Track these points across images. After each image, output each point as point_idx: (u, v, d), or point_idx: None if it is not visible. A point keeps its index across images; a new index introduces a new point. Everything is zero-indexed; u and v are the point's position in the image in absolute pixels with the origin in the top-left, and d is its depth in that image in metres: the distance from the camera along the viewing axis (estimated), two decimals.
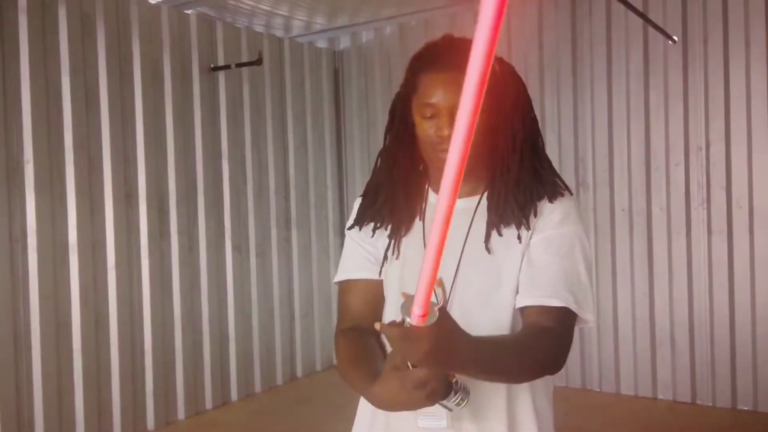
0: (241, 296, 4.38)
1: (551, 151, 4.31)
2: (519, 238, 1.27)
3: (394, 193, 1.37)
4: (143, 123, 3.80)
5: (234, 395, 4.32)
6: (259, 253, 4.51)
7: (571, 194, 1.35)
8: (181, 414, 3.99)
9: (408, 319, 0.88)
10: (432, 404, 1.01)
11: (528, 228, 1.28)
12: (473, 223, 1.32)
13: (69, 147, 3.45)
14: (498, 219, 1.29)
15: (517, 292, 1.27)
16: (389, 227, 1.37)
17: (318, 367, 4.94)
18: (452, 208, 0.83)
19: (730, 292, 3.83)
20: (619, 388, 4.17)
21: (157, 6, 3.94)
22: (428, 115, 1.26)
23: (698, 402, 3.94)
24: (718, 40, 3.81)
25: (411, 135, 1.33)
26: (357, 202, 1.44)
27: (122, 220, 3.69)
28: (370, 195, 1.40)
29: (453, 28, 1.39)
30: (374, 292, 1.35)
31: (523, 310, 1.26)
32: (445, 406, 1.03)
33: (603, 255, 4.17)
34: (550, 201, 1.31)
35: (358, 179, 5.04)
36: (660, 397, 4.06)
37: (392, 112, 1.39)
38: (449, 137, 1.13)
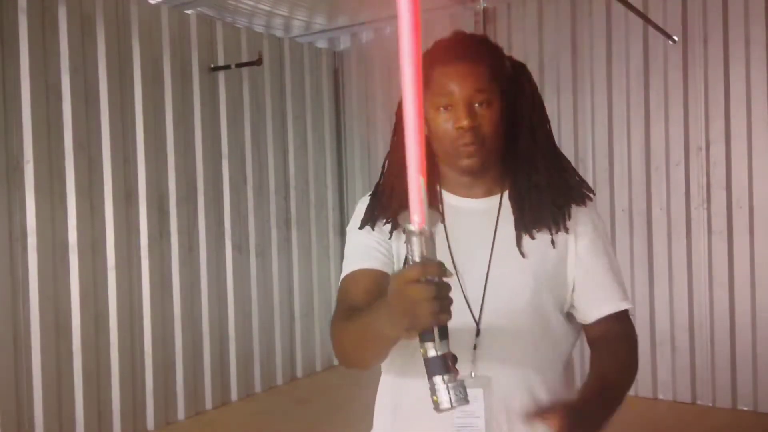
0: (241, 296, 4.38)
1: None
2: (553, 242, 1.26)
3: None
4: (143, 123, 3.80)
5: (234, 395, 4.32)
6: (259, 253, 4.51)
7: (594, 195, 1.37)
8: (181, 414, 3.99)
9: (409, 226, 0.84)
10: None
11: (566, 232, 1.27)
12: (498, 225, 1.28)
13: (69, 147, 3.45)
14: (531, 221, 1.26)
15: (564, 300, 1.27)
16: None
17: (318, 368, 4.94)
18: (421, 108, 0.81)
19: (730, 292, 3.83)
20: None
21: (157, 6, 3.94)
22: (443, 106, 1.22)
23: (698, 402, 3.94)
24: (718, 39, 3.81)
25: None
26: (363, 203, 1.38)
27: (122, 220, 3.69)
28: (384, 196, 1.33)
29: (453, 28, 1.37)
30: (379, 282, 1.23)
31: (595, 326, 1.29)
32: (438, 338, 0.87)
33: None
34: (583, 204, 1.32)
35: (358, 179, 5.03)
36: (660, 397, 4.05)
37: (399, 112, 1.31)
38: (470, 128, 1.20)
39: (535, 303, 1.25)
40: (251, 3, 4.26)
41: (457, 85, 1.21)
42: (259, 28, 4.70)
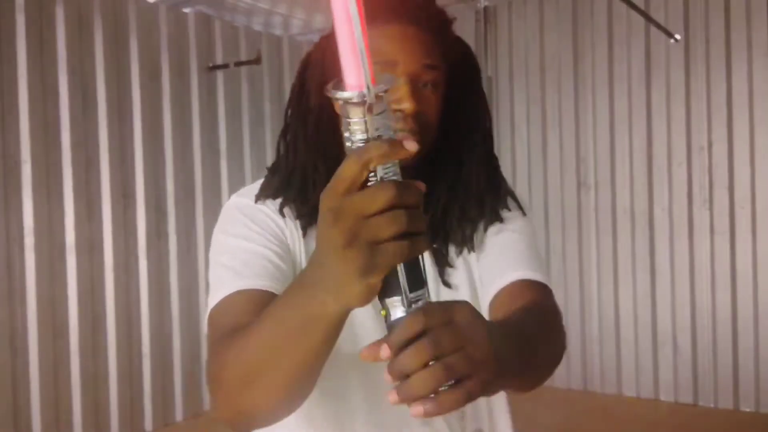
0: None
1: (552, 151, 4.31)
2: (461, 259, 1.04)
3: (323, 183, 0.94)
4: (141, 122, 3.78)
5: None
6: None
7: (525, 215, 1.08)
8: (178, 415, 3.97)
9: (345, 95, 0.54)
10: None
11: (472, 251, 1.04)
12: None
13: (66, 147, 3.43)
14: (445, 239, 1.03)
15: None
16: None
17: None
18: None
19: (732, 293, 3.81)
20: (620, 389, 4.15)
21: (154, 5, 3.91)
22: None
23: (700, 403, 3.92)
24: (720, 39, 3.79)
25: (331, 108, 0.96)
26: (240, 197, 1.06)
27: (120, 221, 3.67)
28: (297, 174, 1.01)
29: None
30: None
31: (497, 296, 0.97)
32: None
33: (605, 255, 4.14)
34: (500, 221, 1.05)
35: None
36: (662, 398, 4.04)
37: (302, 80, 1.05)
38: (414, 114, 0.90)
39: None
40: (250, 1, 4.23)
41: (402, 53, 0.91)
42: (257, 27, 4.67)
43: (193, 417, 4.03)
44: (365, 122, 0.53)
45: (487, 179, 1.05)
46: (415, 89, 0.92)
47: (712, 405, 3.88)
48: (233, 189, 4.29)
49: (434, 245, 1.01)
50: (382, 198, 0.52)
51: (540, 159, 4.34)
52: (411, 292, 0.55)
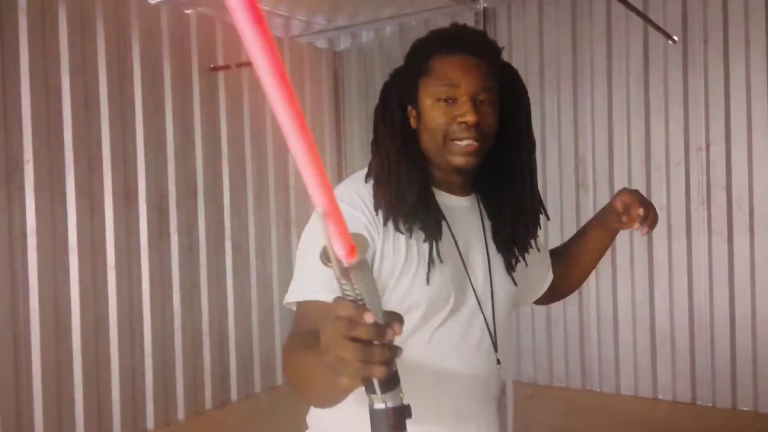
0: (241, 296, 4.37)
1: (551, 152, 4.32)
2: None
3: (423, 190, 1.18)
4: (143, 123, 3.80)
5: (234, 395, 4.32)
6: (259, 253, 4.51)
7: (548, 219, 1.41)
8: (180, 414, 3.99)
9: (331, 264, 0.66)
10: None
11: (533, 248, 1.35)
12: (485, 227, 1.27)
13: (69, 147, 3.45)
14: (514, 247, 1.29)
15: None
16: (427, 225, 1.16)
17: None
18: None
19: (730, 293, 3.83)
20: (619, 388, 4.17)
21: (156, 6, 3.93)
22: (445, 98, 1.14)
23: (698, 402, 3.93)
24: (719, 39, 3.81)
25: (408, 125, 1.21)
26: (345, 207, 1.13)
27: (122, 220, 3.69)
28: (389, 191, 1.16)
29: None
30: None
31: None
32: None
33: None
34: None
35: None
36: (660, 397, 4.05)
37: (387, 99, 1.24)
38: (474, 124, 1.13)
39: (512, 302, 1.33)
40: None
41: (464, 77, 1.13)
42: None
43: (195, 416, 4.05)
44: (346, 283, 0.67)
45: (534, 188, 1.28)
46: (475, 105, 1.14)
47: (710, 404, 3.90)
48: (234, 189, 4.34)
49: (512, 251, 1.28)
50: (341, 330, 0.68)
51: (539, 159, 4.27)
52: (383, 392, 0.70)
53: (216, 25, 4.29)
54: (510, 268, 1.27)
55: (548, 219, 1.34)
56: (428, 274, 1.13)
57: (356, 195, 1.16)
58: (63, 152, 3.44)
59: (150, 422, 3.82)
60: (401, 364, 0.78)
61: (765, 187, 3.72)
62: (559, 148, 4.29)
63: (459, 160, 1.17)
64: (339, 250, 0.64)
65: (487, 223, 1.27)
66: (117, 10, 3.70)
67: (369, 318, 0.67)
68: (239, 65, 4.29)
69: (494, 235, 1.26)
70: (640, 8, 3.83)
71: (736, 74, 3.77)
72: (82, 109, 3.51)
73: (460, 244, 1.20)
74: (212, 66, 4.23)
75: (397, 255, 1.13)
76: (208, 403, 4.16)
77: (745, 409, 3.79)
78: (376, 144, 1.24)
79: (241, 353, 4.34)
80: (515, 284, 1.28)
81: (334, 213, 0.63)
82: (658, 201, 4.01)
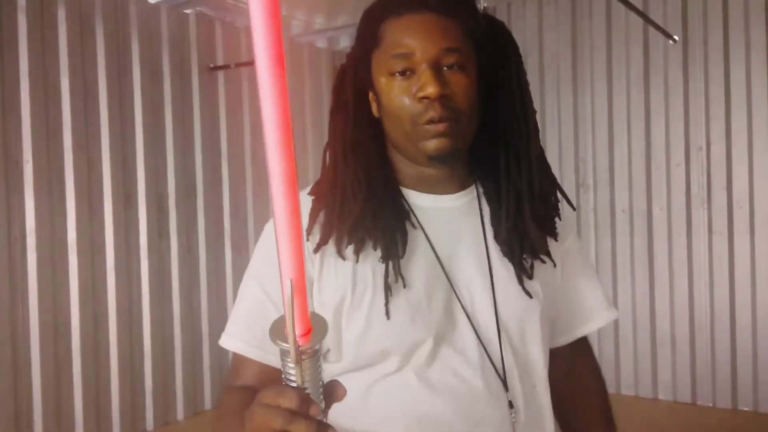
0: None
1: (551, 152, 4.31)
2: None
3: (373, 196, 0.96)
4: (142, 123, 3.79)
5: None
6: None
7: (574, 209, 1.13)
8: (180, 414, 3.99)
9: (283, 346, 0.61)
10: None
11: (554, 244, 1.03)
12: (485, 229, 1.00)
13: (68, 147, 3.44)
14: (521, 248, 0.99)
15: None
16: (379, 244, 0.93)
17: None
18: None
19: (730, 293, 3.82)
20: (619, 388, 4.16)
21: (156, 6, 3.93)
22: (399, 71, 0.91)
23: (698, 402, 3.93)
24: (719, 39, 3.81)
25: (370, 115, 1.00)
26: (269, 228, 1.05)
27: (121, 221, 3.68)
28: (332, 203, 0.97)
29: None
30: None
31: (565, 347, 1.14)
32: None
33: (603, 255, 4.16)
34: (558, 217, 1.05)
35: None
36: (660, 397, 4.05)
37: (340, 88, 1.04)
38: (438, 97, 0.87)
39: (538, 329, 1.01)
40: None
41: (419, 41, 0.89)
42: None
43: (195, 416, 4.04)
44: (292, 366, 0.62)
45: (542, 170, 1.00)
46: (438, 74, 0.89)
47: (710, 404, 3.89)
48: (234, 189, 4.33)
49: (522, 254, 0.99)
50: (277, 422, 0.62)
51: None
52: None
53: (216, 25, 4.28)
54: (523, 274, 0.98)
55: (573, 209, 1.07)
56: (386, 305, 0.91)
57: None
58: (62, 152, 3.43)
59: (149, 422, 3.81)
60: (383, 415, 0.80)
61: (765, 187, 3.72)
62: (559, 148, 4.28)
63: (430, 146, 0.92)
64: (298, 331, 0.59)
65: (489, 222, 1.01)
66: (116, 10, 3.69)
67: (314, 412, 0.62)
68: (239, 65, 4.28)
69: (495, 235, 0.98)
70: (641, 8, 3.83)
71: (737, 74, 3.76)
72: (81, 109, 3.51)
73: (441, 255, 0.95)
74: (212, 66, 4.22)
75: (342, 282, 0.93)
76: (208, 404, 4.16)
77: (746, 409, 3.79)
78: (327, 145, 1.06)
79: None
80: (530, 296, 0.97)
81: (300, 291, 0.59)
82: (658, 201, 4.02)
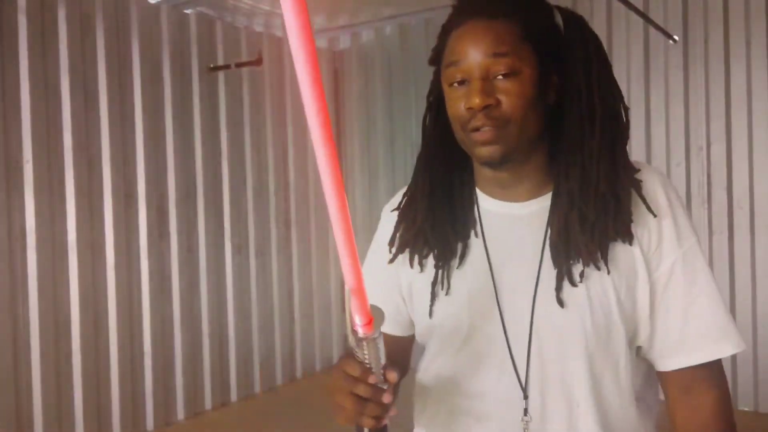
0: (240, 296, 4.37)
1: None
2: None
3: (432, 204, 1.01)
4: (143, 123, 3.80)
5: (233, 396, 4.32)
6: (259, 253, 4.50)
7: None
8: (180, 414, 3.99)
9: (352, 333, 0.79)
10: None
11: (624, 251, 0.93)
12: (547, 239, 0.95)
13: (68, 147, 3.45)
14: (566, 256, 0.92)
15: (635, 333, 0.94)
16: (434, 252, 1.00)
17: (317, 368, 4.93)
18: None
19: (730, 292, 3.82)
20: None
21: (156, 6, 3.93)
22: (457, 81, 0.92)
23: None
24: (719, 39, 3.81)
25: (448, 124, 0.99)
26: (387, 215, 1.10)
27: (121, 220, 3.68)
28: (404, 212, 1.05)
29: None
30: (393, 351, 0.98)
31: (676, 375, 0.97)
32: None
33: None
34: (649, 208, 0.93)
35: (358, 179, 5.02)
36: (661, 397, 4.04)
37: (428, 96, 1.06)
38: (481, 108, 0.88)
39: (613, 349, 0.93)
40: (251, 2, 4.25)
41: (467, 51, 0.90)
42: (258, 28, 4.69)
43: (195, 416, 4.05)
44: (358, 348, 0.80)
45: (609, 174, 0.91)
46: (484, 84, 0.89)
47: None
48: (234, 189, 4.33)
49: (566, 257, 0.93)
50: (345, 385, 0.84)
51: None
52: None
53: (216, 25, 4.29)
54: (565, 282, 0.92)
55: (631, 221, 0.93)
56: (431, 307, 1.01)
57: (384, 234, 1.09)
58: (62, 152, 3.44)
59: (149, 422, 3.81)
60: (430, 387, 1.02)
61: (765, 187, 3.72)
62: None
63: (479, 153, 0.93)
64: (358, 323, 0.76)
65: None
66: (117, 10, 3.69)
67: (371, 380, 0.81)
68: (239, 65, 4.29)
69: (550, 244, 0.94)
70: (641, 8, 3.83)
71: (737, 74, 3.76)
72: (81, 109, 3.51)
73: (494, 262, 0.97)
74: (212, 66, 4.22)
75: (420, 287, 1.05)
76: (208, 404, 4.16)
77: (745, 409, 3.79)
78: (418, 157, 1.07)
79: (240, 354, 4.34)
80: (561, 305, 0.92)
81: (358, 291, 0.73)
82: None
